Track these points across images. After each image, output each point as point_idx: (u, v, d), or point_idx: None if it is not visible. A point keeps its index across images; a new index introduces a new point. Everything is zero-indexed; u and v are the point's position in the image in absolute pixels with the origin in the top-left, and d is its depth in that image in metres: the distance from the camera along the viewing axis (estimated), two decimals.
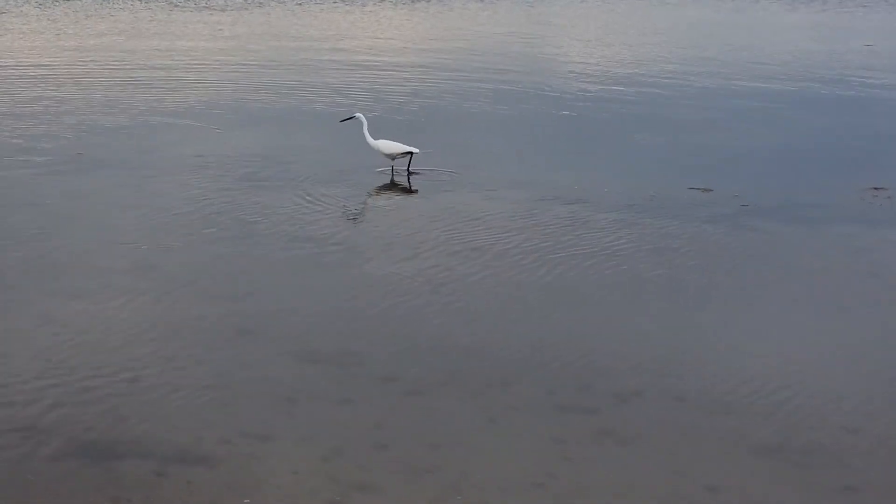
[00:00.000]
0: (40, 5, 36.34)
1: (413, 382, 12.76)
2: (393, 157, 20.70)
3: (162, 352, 13.67)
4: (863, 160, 23.37)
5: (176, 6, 37.49)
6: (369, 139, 20.81)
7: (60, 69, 28.19)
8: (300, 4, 38.97)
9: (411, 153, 20.67)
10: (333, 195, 19.71)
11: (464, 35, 35.36)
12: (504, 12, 39.89)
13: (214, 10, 37.20)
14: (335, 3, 39.92)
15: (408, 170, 20.69)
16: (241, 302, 15.14)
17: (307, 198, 19.52)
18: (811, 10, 44.79)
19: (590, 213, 18.91)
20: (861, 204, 19.98)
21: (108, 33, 33.01)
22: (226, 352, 13.65)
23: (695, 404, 12.31)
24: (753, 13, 43.64)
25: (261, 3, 39.07)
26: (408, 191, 19.85)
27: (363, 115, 21.07)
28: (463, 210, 18.96)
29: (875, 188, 20.89)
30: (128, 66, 28.85)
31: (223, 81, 27.77)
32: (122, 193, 19.31)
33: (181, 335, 14.12)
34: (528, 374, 13.13)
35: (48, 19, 34.57)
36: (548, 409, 12.22)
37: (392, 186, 20.17)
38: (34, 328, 14.14)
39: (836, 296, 15.77)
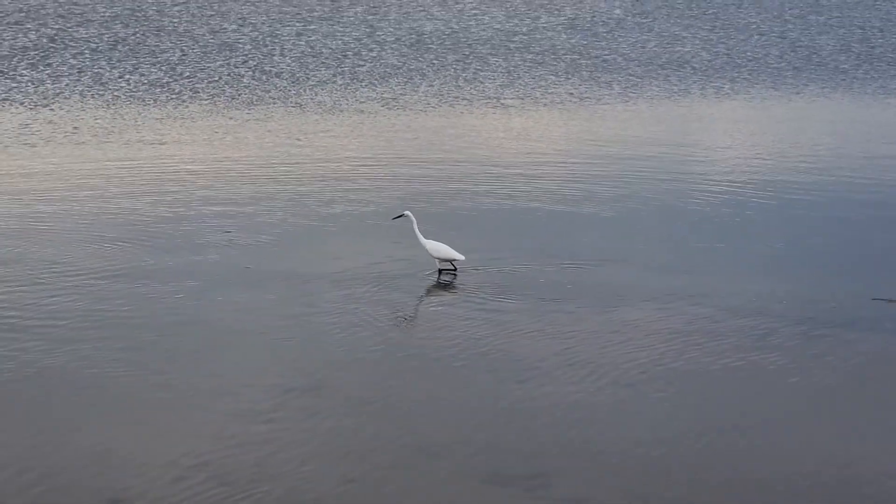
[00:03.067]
0: (199, 113, 37.28)
1: None
2: (439, 260, 21.40)
3: (342, 473, 13.87)
4: None
5: (329, 111, 38.19)
6: (420, 238, 21.63)
7: (230, 178, 28.75)
8: (431, 106, 39.39)
9: (453, 260, 21.42)
10: (502, 308, 19.77)
11: (612, 138, 35.42)
12: (649, 111, 39.87)
13: (350, 111, 37.81)
14: (475, 103, 40.27)
15: (441, 273, 21.43)
16: (418, 420, 15.31)
17: (478, 311, 19.56)
18: None
19: (770, 327, 18.72)
20: None
21: (267, 136, 33.70)
22: (408, 473, 13.81)
23: None
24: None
25: (400, 103, 39.64)
26: (585, 306, 19.80)
27: (412, 213, 21.89)
28: (636, 324, 18.93)
29: None
30: (294, 173, 29.34)
31: (379, 185, 28.09)
32: (289, 308, 19.64)
33: (361, 456, 14.30)
34: (720, 499, 12.98)
35: (211, 129, 35.42)
36: None
37: (560, 300, 20.12)
38: (212, 449, 14.40)
39: None
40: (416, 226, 21.70)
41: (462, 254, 21.44)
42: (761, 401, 15.96)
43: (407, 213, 22.03)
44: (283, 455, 14.28)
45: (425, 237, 21.77)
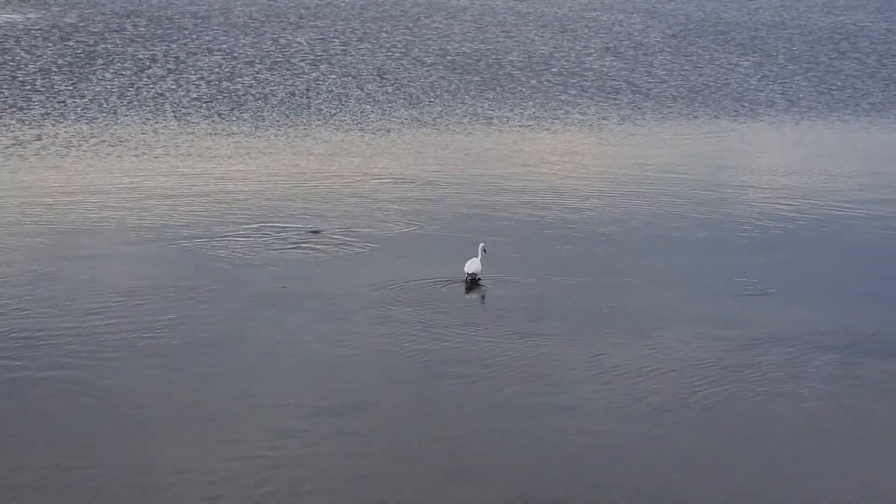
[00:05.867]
0: (238, 131, 37.31)
1: None
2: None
3: (373, 494, 13.93)
4: None
5: (367, 129, 38.17)
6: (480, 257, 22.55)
7: (267, 196, 28.68)
8: (468, 126, 39.32)
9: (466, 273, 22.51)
10: (539, 332, 19.64)
11: (647, 160, 35.27)
12: (684, 134, 39.71)
13: (388, 131, 37.79)
14: (510, 124, 40.20)
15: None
16: (451, 443, 15.35)
17: (512, 334, 19.48)
18: None
19: (807, 355, 18.64)
20: None
21: (304, 154, 33.65)
22: (439, 496, 13.86)
23: None
24: None
25: (437, 123, 39.65)
26: (620, 331, 19.69)
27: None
28: (673, 350, 18.91)
29: None
30: (330, 192, 29.27)
31: (415, 204, 28.00)
32: (324, 329, 19.64)
33: (392, 478, 14.38)
34: None
35: (250, 146, 35.40)
36: None
37: (597, 324, 20.03)
38: (246, 468, 14.50)
39: None
40: (481, 250, 22.39)
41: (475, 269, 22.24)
42: (798, 429, 15.92)
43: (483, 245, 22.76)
44: (316, 475, 14.33)
45: (469, 257, 22.37)
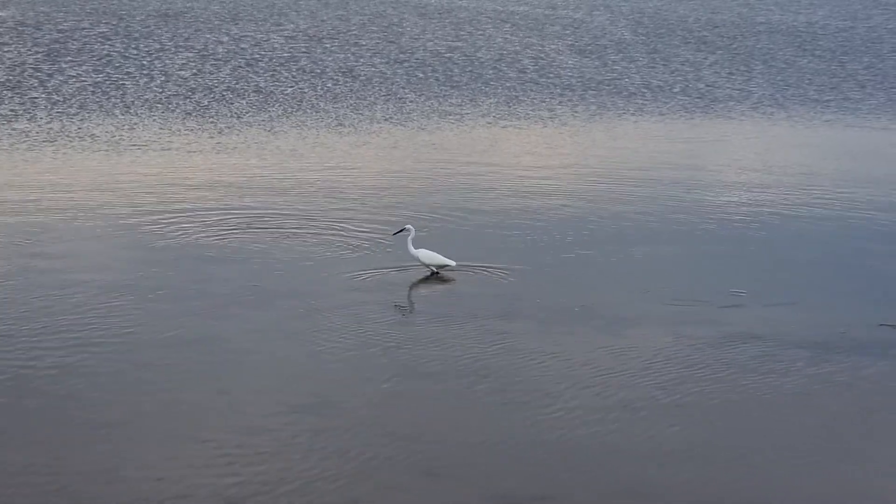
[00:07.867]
0: (206, 129, 37.07)
1: None
2: (431, 266, 22.20)
3: (347, 493, 13.89)
4: None
5: (335, 128, 38.00)
6: (410, 248, 22.33)
7: (237, 195, 28.51)
8: (437, 124, 39.22)
9: (447, 266, 22.18)
10: (510, 330, 19.55)
11: (617, 158, 35.24)
12: (653, 132, 39.73)
13: (357, 129, 37.63)
14: (480, 121, 40.13)
15: (437, 273, 22.29)
16: (423, 440, 15.29)
17: (484, 332, 19.38)
18: None
19: (777, 352, 18.64)
20: None
21: (272, 153, 33.48)
22: (412, 493, 13.87)
23: None
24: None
25: (407, 121, 39.51)
26: (592, 329, 19.60)
27: (413, 226, 22.80)
28: (643, 348, 18.84)
29: None
30: (299, 190, 29.10)
31: (386, 202, 27.87)
32: (296, 327, 19.51)
33: (365, 476, 14.35)
34: None
35: (217, 144, 35.19)
36: None
37: (567, 322, 19.95)
38: (219, 467, 14.45)
39: None
40: (410, 238, 22.41)
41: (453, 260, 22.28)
42: (767, 426, 15.93)
43: (408, 226, 22.72)
44: (288, 473, 14.24)
45: (434, 252, 22.35)
